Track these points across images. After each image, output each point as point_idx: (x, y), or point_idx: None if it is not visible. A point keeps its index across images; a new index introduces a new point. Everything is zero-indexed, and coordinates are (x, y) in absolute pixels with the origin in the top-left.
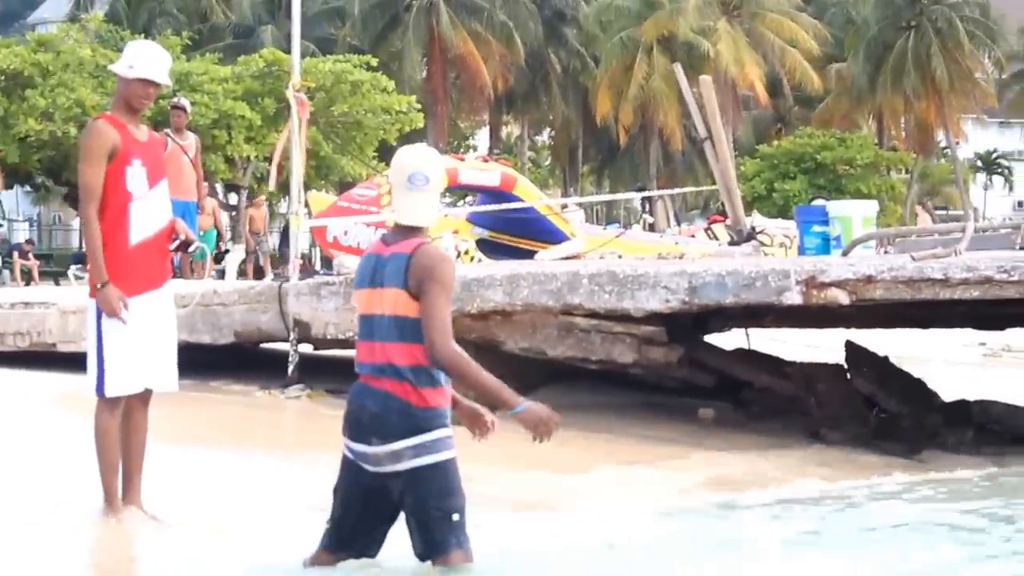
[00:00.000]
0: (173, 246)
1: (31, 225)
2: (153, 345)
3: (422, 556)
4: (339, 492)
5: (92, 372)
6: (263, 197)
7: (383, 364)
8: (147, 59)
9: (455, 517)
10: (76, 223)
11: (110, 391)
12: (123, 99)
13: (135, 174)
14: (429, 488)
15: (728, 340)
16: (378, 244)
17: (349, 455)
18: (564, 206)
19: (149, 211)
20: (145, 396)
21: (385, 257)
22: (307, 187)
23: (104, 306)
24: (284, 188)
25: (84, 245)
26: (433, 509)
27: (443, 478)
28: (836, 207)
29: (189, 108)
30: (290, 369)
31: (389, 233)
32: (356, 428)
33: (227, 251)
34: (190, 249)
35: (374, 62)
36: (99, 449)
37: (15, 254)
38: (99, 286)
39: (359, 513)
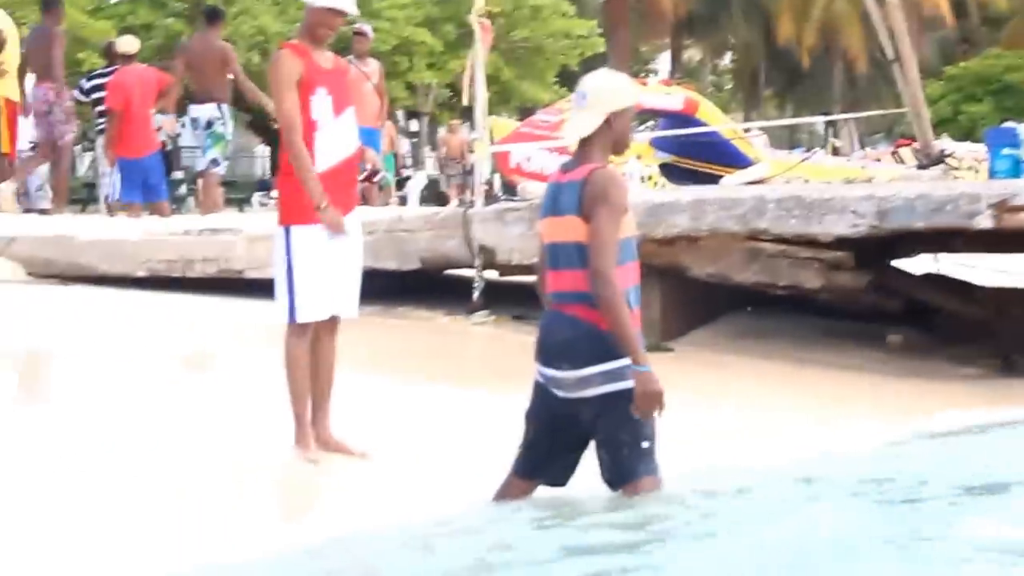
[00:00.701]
0: (362, 176)
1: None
2: (340, 272)
3: (611, 483)
4: (531, 417)
5: (282, 299)
6: (458, 122)
7: (571, 291)
8: None
9: (644, 444)
10: (259, 150)
11: (300, 317)
12: (308, 28)
13: (320, 103)
14: (619, 414)
15: (916, 265)
16: (558, 172)
17: (540, 380)
18: (747, 130)
19: (335, 139)
20: (332, 323)
21: (563, 185)
22: (489, 113)
23: (331, 226)
24: (466, 114)
25: (269, 172)
26: (623, 435)
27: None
28: None
29: (371, 34)
30: (475, 295)
31: (569, 160)
32: (547, 353)
33: (407, 178)
34: (376, 178)
35: None
36: (289, 377)
37: (199, 181)
38: (321, 208)
39: (550, 438)
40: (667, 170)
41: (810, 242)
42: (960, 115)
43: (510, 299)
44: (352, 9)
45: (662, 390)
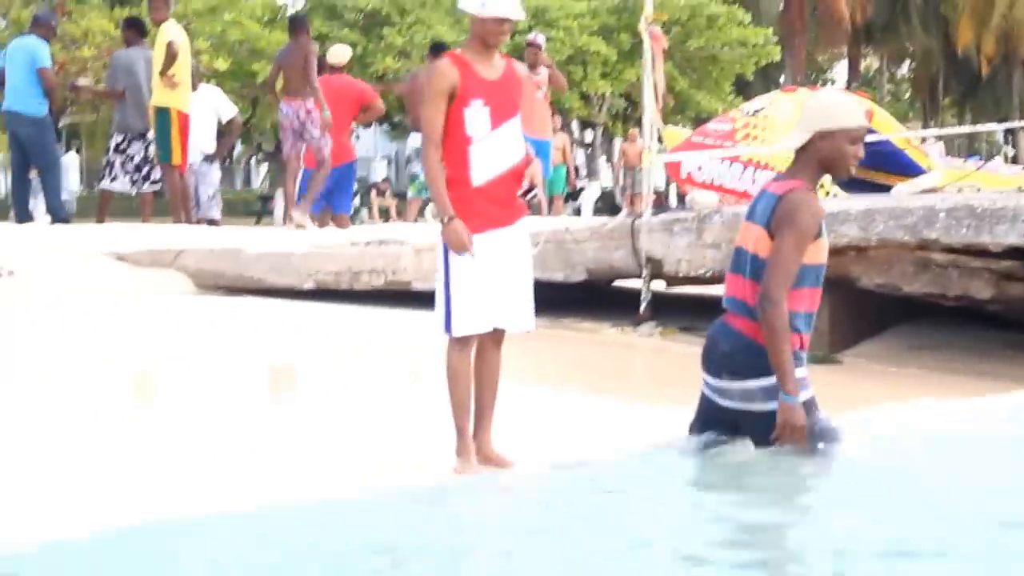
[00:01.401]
0: (520, 192)
1: (389, 163)
2: (502, 283)
3: None
4: (693, 429)
5: (440, 310)
6: (637, 131)
7: (740, 300)
8: None
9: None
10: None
11: (457, 330)
12: (476, 37)
13: (475, 116)
14: (770, 433)
15: None
16: (770, 180)
17: (705, 388)
18: (923, 139)
19: (492, 152)
20: (497, 336)
21: (765, 194)
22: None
23: (450, 241)
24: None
25: None
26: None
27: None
28: None
29: (543, 44)
30: (642, 306)
31: (783, 172)
32: (709, 362)
33: (581, 189)
34: (529, 195)
35: None
36: (450, 388)
37: (373, 192)
38: (444, 221)
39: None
40: (841, 181)
41: (981, 252)
42: None
43: (677, 311)
44: (519, 15)
45: (805, 424)
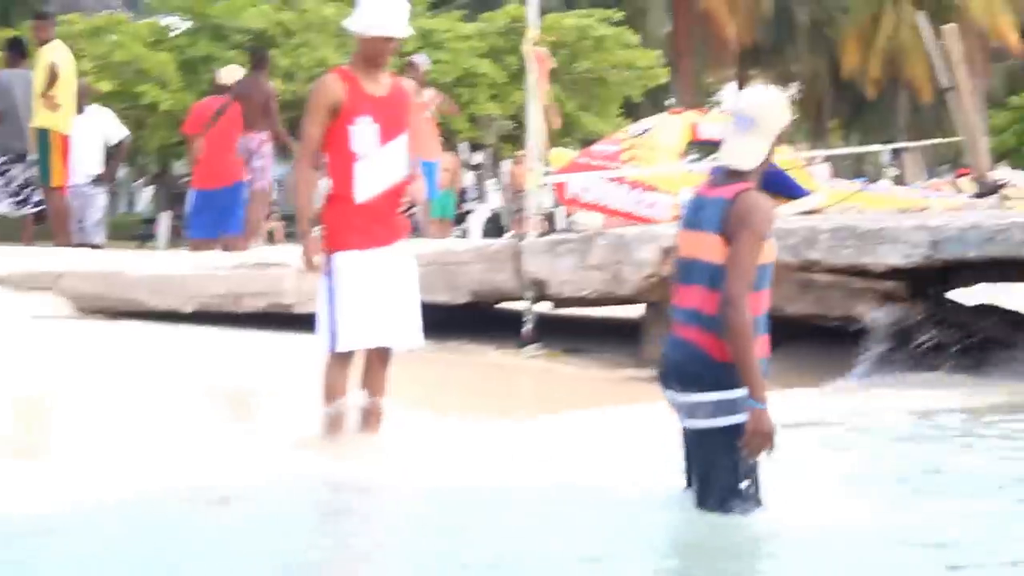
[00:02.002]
0: (401, 209)
1: (276, 186)
2: (386, 301)
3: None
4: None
5: (324, 327)
6: (524, 153)
7: (693, 310)
8: (382, 14)
9: (742, 484)
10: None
11: (340, 346)
12: (363, 56)
13: (361, 132)
14: (720, 449)
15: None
16: (705, 185)
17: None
18: (810, 160)
19: (378, 169)
20: (383, 354)
21: (708, 200)
22: (552, 144)
23: (302, 256)
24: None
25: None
26: (721, 471)
27: (736, 440)
28: None
29: (424, 65)
30: (527, 328)
31: (720, 175)
32: (664, 375)
33: (470, 211)
34: (409, 212)
35: (618, 17)
36: (325, 404)
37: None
38: (303, 235)
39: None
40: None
41: (863, 272)
42: None
43: (563, 332)
44: (404, 32)
45: (774, 430)
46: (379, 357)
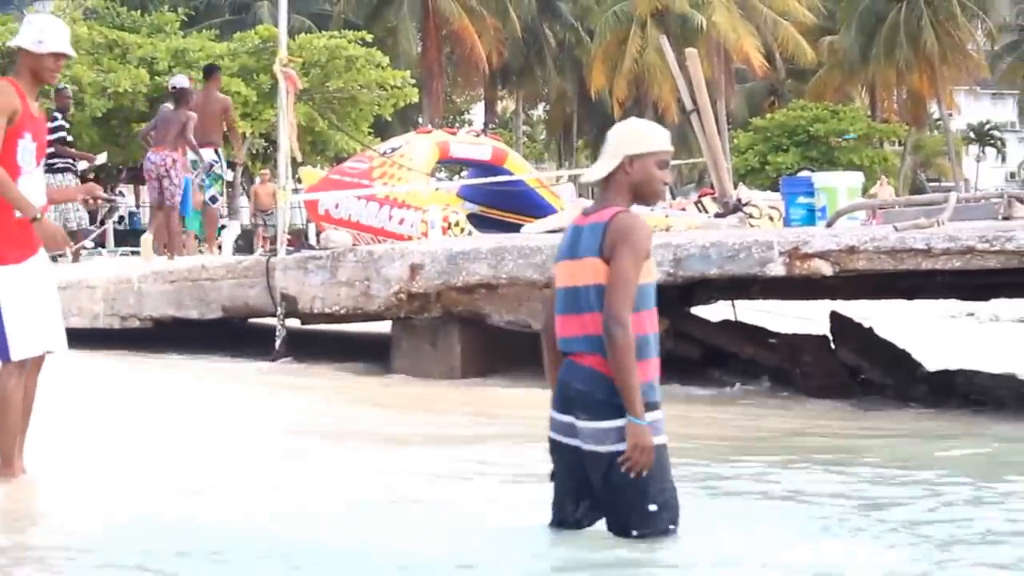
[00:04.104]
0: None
1: None
2: (46, 308)
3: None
4: (554, 476)
5: None
6: (268, 173)
7: (584, 336)
8: (55, 32)
9: (651, 507)
10: None
11: (16, 354)
12: (30, 72)
13: (26, 148)
14: (627, 475)
15: (716, 312)
16: (579, 216)
17: (553, 430)
18: (558, 179)
19: (35, 186)
20: (40, 360)
21: (584, 228)
22: (303, 163)
23: (48, 238)
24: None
25: None
26: (629, 496)
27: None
28: (821, 178)
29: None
30: (277, 343)
31: (590, 205)
32: (564, 402)
33: (222, 227)
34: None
35: (369, 37)
36: (3, 414)
37: None
38: (38, 219)
39: (573, 491)
40: (475, 220)
41: None
42: (767, 165)
43: (314, 347)
44: (72, 51)
45: (651, 446)
46: (36, 363)
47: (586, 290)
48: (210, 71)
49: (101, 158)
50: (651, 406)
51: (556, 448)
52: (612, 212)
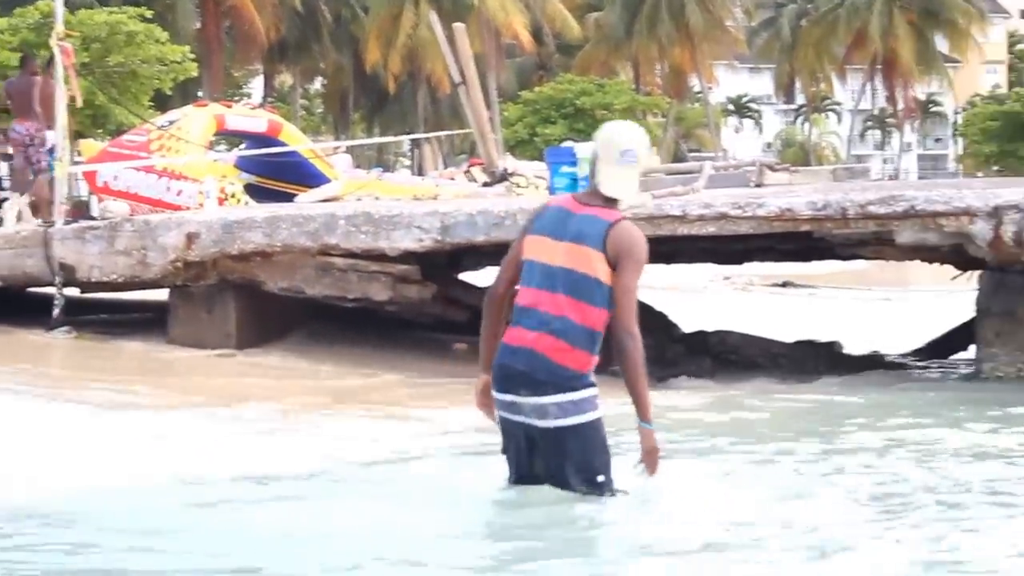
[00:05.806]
0: None
1: None
2: None
3: None
4: (505, 450)
5: None
6: None
7: (549, 315)
8: None
9: (600, 478)
10: None
11: None
12: None
13: None
14: (572, 449)
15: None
16: (569, 200)
17: (499, 408)
18: (335, 149)
19: None
20: None
21: (578, 216)
22: (82, 136)
23: None
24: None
25: None
26: (572, 469)
27: (585, 439)
28: (583, 148)
29: None
30: (56, 312)
31: (583, 194)
32: (506, 380)
33: (3, 200)
34: None
35: (149, 14)
36: None
37: None
38: None
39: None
40: (251, 190)
41: (379, 256)
42: (536, 137)
43: (92, 315)
44: None
45: (657, 448)
46: None
47: (585, 279)
48: (26, 59)
49: None
50: (590, 386)
51: (505, 424)
52: (616, 216)
